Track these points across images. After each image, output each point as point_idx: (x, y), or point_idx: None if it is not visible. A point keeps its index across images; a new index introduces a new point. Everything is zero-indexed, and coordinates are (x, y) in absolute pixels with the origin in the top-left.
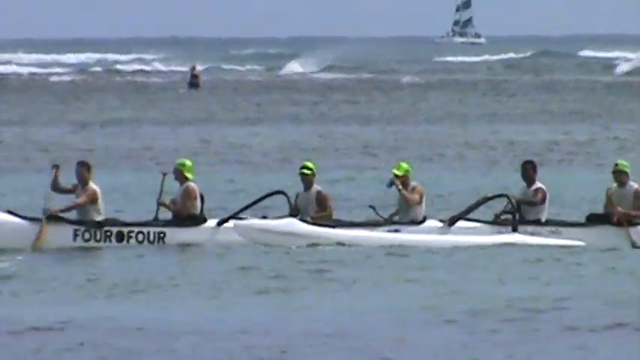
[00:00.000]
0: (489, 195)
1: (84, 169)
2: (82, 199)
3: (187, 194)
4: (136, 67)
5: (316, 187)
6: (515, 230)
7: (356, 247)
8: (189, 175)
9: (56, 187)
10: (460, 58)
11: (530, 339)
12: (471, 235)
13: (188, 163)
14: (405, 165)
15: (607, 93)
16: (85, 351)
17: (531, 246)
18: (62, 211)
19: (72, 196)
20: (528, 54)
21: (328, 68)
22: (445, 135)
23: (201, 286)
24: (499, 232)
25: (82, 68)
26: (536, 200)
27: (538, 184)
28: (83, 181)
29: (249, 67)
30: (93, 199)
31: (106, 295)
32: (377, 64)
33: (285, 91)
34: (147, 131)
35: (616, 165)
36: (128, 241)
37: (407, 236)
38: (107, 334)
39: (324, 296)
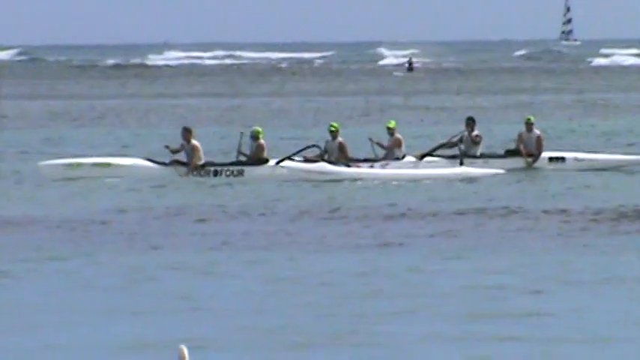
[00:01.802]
0: (445, 141)
1: (187, 132)
2: (196, 157)
3: (260, 148)
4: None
5: (339, 138)
6: (462, 164)
7: (361, 179)
8: (260, 137)
9: (173, 152)
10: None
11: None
12: (434, 167)
13: (260, 129)
14: (393, 121)
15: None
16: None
17: (472, 174)
18: (194, 165)
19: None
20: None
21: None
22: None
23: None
24: (452, 165)
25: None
26: (477, 141)
27: (476, 132)
28: (187, 140)
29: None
30: (197, 150)
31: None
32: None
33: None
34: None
35: (527, 118)
36: (221, 175)
37: (391, 171)
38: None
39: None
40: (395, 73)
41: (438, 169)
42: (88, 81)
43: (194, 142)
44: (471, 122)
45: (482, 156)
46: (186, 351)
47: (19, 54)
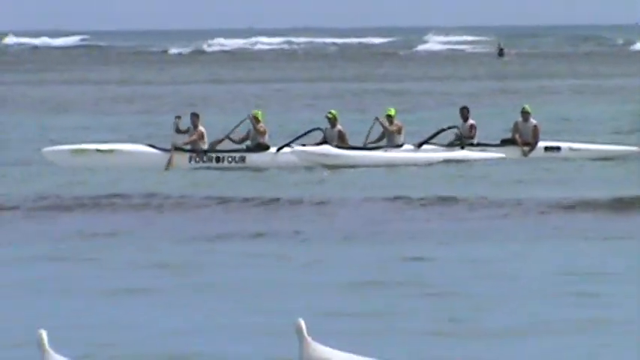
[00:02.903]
0: (444, 127)
1: (195, 117)
2: (195, 136)
3: (261, 132)
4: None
5: (338, 126)
6: (462, 148)
7: (363, 163)
8: (260, 120)
9: (178, 131)
10: None
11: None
12: (437, 151)
13: (259, 112)
14: (393, 109)
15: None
16: None
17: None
18: (185, 144)
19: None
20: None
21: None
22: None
23: None
24: (453, 150)
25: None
26: (472, 133)
27: (471, 121)
28: (195, 125)
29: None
30: (201, 137)
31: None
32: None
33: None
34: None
35: (523, 107)
36: (223, 162)
37: (394, 154)
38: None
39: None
40: (484, 59)
41: (439, 152)
42: (144, 66)
43: (201, 127)
44: (465, 111)
45: (478, 144)
46: (303, 323)
47: (82, 40)
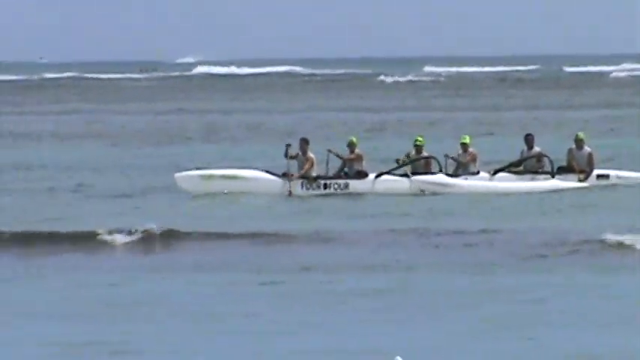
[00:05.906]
0: (516, 160)
1: (305, 143)
2: (308, 165)
3: (361, 158)
4: None
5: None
6: (553, 177)
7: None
8: (356, 146)
9: (288, 156)
10: None
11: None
12: (511, 179)
13: (355, 139)
14: (467, 137)
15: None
16: None
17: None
18: (301, 175)
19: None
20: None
21: None
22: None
23: None
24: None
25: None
26: (537, 157)
27: (537, 148)
28: (303, 151)
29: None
30: (312, 164)
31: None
32: None
33: None
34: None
35: (577, 135)
36: (330, 188)
37: (505, 183)
38: None
39: None
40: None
41: (545, 182)
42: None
43: (310, 154)
44: (530, 139)
45: (544, 172)
46: None
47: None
